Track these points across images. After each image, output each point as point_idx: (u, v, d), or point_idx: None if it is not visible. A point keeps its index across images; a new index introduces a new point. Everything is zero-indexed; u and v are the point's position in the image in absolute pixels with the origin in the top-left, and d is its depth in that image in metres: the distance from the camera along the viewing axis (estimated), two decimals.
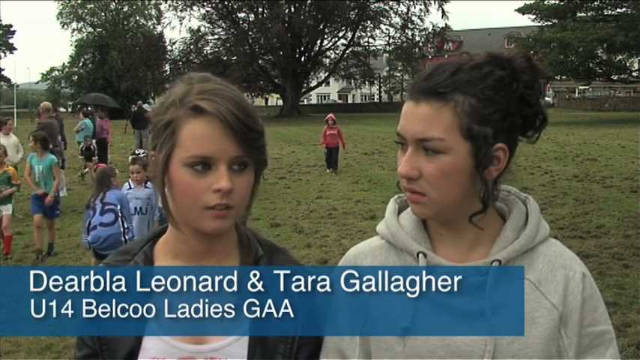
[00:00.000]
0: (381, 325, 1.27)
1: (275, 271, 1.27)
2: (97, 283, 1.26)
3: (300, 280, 1.27)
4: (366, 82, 58.76)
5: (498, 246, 1.25)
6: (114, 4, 69.88)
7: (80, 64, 70.22)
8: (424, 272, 1.24)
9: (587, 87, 61.19)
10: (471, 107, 1.17)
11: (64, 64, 72.87)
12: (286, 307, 1.25)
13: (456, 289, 1.23)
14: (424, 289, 1.24)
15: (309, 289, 1.27)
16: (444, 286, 1.24)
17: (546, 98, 62.90)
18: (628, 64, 42.92)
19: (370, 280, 1.30)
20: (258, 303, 1.24)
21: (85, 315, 1.27)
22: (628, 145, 20.22)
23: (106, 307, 1.25)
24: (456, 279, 1.23)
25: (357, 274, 1.31)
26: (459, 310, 1.22)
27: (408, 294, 1.25)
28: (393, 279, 1.28)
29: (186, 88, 1.20)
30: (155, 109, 1.26)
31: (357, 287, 1.29)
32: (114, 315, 1.24)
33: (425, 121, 1.17)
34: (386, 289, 1.28)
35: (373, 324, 1.27)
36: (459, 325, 1.22)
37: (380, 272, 1.30)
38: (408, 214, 1.33)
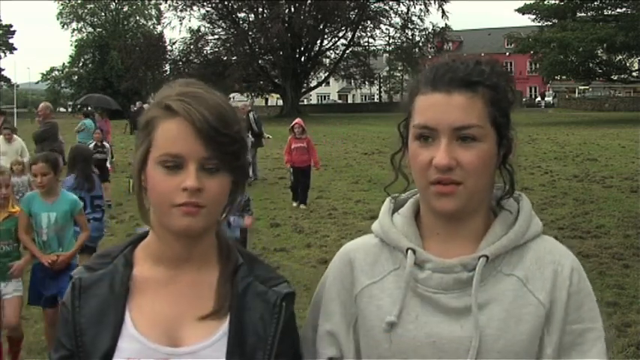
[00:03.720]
0: (369, 320, 1.28)
1: (253, 278, 1.29)
2: (74, 285, 1.28)
3: (277, 286, 1.29)
4: (366, 82, 58.77)
5: (487, 241, 1.25)
6: (114, 4, 69.92)
7: (80, 64, 70.26)
8: (412, 268, 1.25)
9: (587, 87, 61.18)
10: (493, 98, 1.22)
11: (64, 64, 73.08)
12: (264, 312, 1.26)
13: (443, 284, 1.24)
14: (412, 284, 1.26)
15: (286, 294, 1.29)
16: (431, 282, 1.25)
17: (546, 98, 62.95)
18: (628, 64, 42.94)
19: (361, 275, 1.32)
20: (236, 307, 1.25)
21: (63, 315, 1.29)
22: (628, 145, 20.21)
23: (82, 308, 1.26)
24: (443, 275, 1.24)
25: (349, 269, 1.33)
26: (446, 306, 1.23)
27: (396, 289, 1.27)
28: (382, 275, 1.30)
29: (168, 90, 1.24)
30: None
31: (349, 282, 1.32)
32: (90, 316, 1.25)
33: (462, 110, 1.19)
34: (375, 284, 1.30)
35: (363, 319, 1.30)
36: (445, 321, 1.23)
37: (370, 268, 1.32)
38: (402, 213, 1.35)
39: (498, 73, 1.25)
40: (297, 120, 11.84)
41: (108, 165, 11.90)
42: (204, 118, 1.18)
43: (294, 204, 11.34)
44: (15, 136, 10.25)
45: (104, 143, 12.11)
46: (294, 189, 11.67)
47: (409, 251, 1.26)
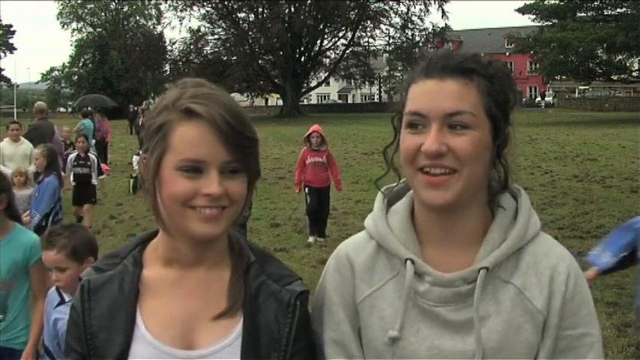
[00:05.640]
0: (372, 331, 1.26)
1: (266, 277, 1.26)
2: (83, 287, 1.25)
3: (291, 284, 1.27)
4: (366, 82, 58.78)
5: (485, 250, 1.23)
6: (114, 4, 69.85)
7: (80, 64, 70.21)
8: (411, 281, 1.23)
9: (587, 87, 61.15)
10: (489, 89, 1.19)
11: (64, 64, 72.97)
12: (278, 312, 1.23)
13: (442, 298, 1.22)
14: (412, 296, 1.23)
15: (300, 293, 1.26)
16: (431, 295, 1.22)
17: (546, 98, 62.91)
18: (628, 64, 42.91)
19: (360, 283, 1.29)
20: (249, 307, 1.23)
21: (72, 318, 1.26)
22: (628, 145, 20.18)
23: (92, 311, 1.22)
24: (442, 289, 1.22)
25: (351, 275, 1.31)
26: (446, 320, 1.22)
27: (397, 299, 1.24)
28: (381, 283, 1.27)
29: (179, 92, 1.19)
30: (147, 114, 1.25)
31: (352, 288, 1.29)
32: (101, 318, 1.22)
33: (454, 96, 1.16)
34: (376, 293, 1.27)
35: (365, 328, 1.28)
36: (446, 334, 1.21)
37: (368, 275, 1.29)
38: (397, 211, 1.32)
39: (497, 67, 1.22)
40: (315, 127, 8.74)
41: (94, 181, 9.51)
42: (226, 120, 1.15)
43: (311, 239, 8.54)
44: (22, 137, 9.10)
45: (89, 154, 9.68)
46: (310, 215, 8.75)
47: (408, 262, 1.24)
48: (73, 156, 9.50)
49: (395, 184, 1.35)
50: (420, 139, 1.18)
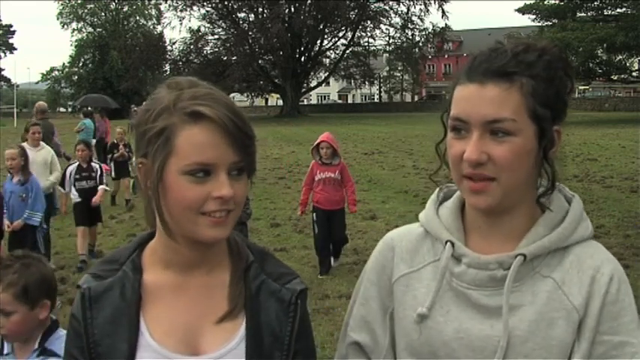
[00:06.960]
0: (403, 309, 1.28)
1: (266, 276, 1.26)
2: (83, 295, 1.22)
3: (290, 283, 1.26)
4: (366, 82, 58.86)
5: (527, 240, 1.21)
6: (114, 4, 69.95)
7: (80, 64, 70.33)
8: (448, 261, 1.24)
9: (587, 87, 61.20)
10: (533, 89, 1.15)
11: (64, 64, 73.09)
12: (279, 311, 1.23)
13: (477, 281, 1.22)
14: (447, 278, 1.24)
15: (300, 291, 1.26)
16: (465, 277, 1.23)
17: None
18: (628, 64, 42.90)
19: (400, 262, 1.32)
20: (251, 307, 1.22)
21: (74, 327, 1.23)
22: (628, 145, 20.18)
23: (95, 319, 1.20)
24: (478, 271, 1.22)
25: (391, 256, 1.33)
26: (478, 303, 1.21)
27: (433, 281, 1.26)
28: (421, 265, 1.30)
29: (176, 93, 1.15)
30: (139, 117, 1.20)
31: (390, 269, 1.32)
32: (103, 326, 1.20)
33: (495, 103, 1.14)
34: (413, 274, 1.30)
35: (398, 307, 1.29)
36: (476, 318, 1.21)
37: (410, 256, 1.31)
38: (449, 204, 1.32)
39: (547, 61, 1.18)
40: (325, 136, 7.13)
41: (101, 187, 7.80)
42: (232, 120, 1.12)
43: (320, 277, 6.90)
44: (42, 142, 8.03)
45: (92, 164, 7.86)
46: (320, 246, 7.08)
47: (447, 243, 1.25)
48: (73, 168, 7.77)
49: (449, 183, 1.35)
50: (463, 145, 1.17)
